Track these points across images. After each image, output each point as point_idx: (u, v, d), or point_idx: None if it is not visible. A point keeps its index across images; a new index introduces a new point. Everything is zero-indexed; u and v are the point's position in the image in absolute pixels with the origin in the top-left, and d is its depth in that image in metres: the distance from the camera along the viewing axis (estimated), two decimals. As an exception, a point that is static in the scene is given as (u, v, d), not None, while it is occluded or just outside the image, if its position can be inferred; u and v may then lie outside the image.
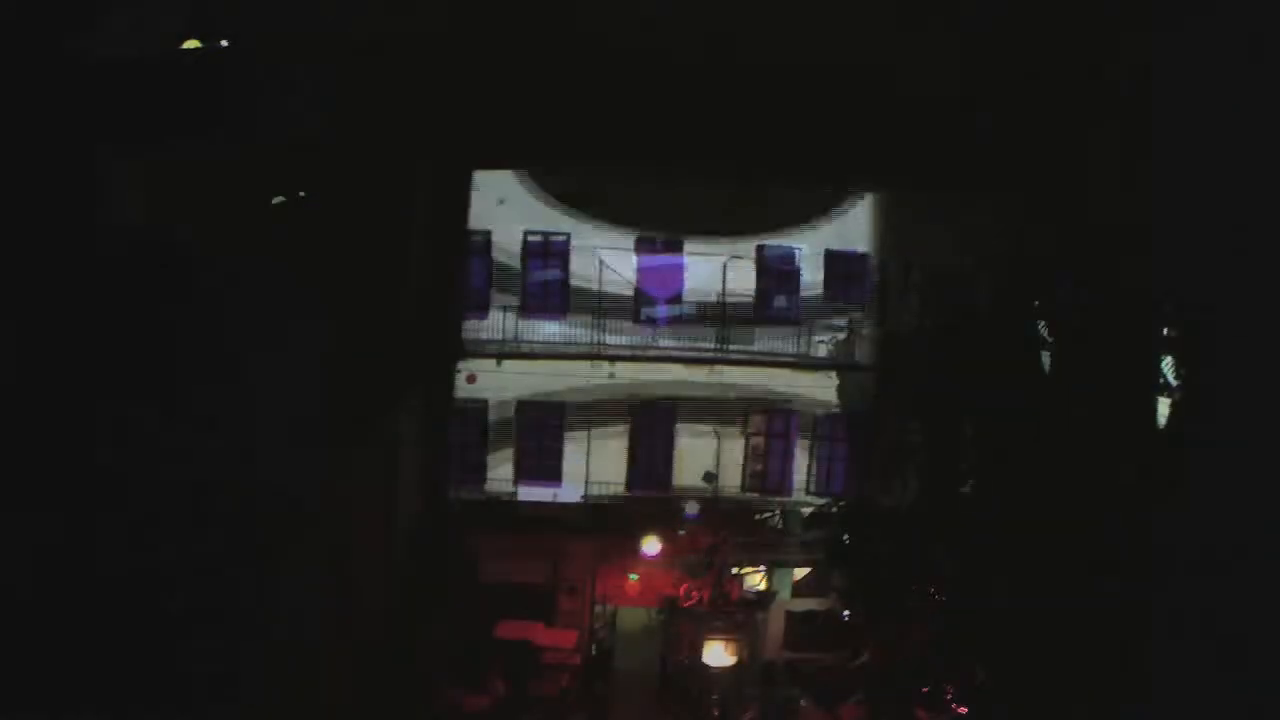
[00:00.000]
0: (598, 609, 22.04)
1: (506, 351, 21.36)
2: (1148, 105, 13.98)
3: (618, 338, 21.63)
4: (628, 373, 21.58)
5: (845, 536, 17.68)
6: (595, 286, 21.66)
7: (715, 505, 21.58)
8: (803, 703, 20.97)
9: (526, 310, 21.75)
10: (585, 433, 21.82)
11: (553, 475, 22.01)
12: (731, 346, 21.69)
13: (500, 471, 21.98)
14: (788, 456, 22.64)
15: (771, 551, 21.85)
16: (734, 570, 21.36)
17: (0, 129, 13.19)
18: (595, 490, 21.82)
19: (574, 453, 21.98)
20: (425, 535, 20.40)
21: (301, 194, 16.95)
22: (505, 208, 21.47)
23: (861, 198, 22.02)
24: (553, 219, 21.66)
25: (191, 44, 20.20)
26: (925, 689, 15.79)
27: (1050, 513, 13.83)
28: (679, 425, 22.13)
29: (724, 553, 21.14)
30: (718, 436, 22.10)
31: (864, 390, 20.89)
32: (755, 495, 22.43)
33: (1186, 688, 11.79)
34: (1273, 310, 12.29)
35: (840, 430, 22.27)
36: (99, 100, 15.57)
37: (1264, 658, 11.37)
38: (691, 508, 21.20)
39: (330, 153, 17.10)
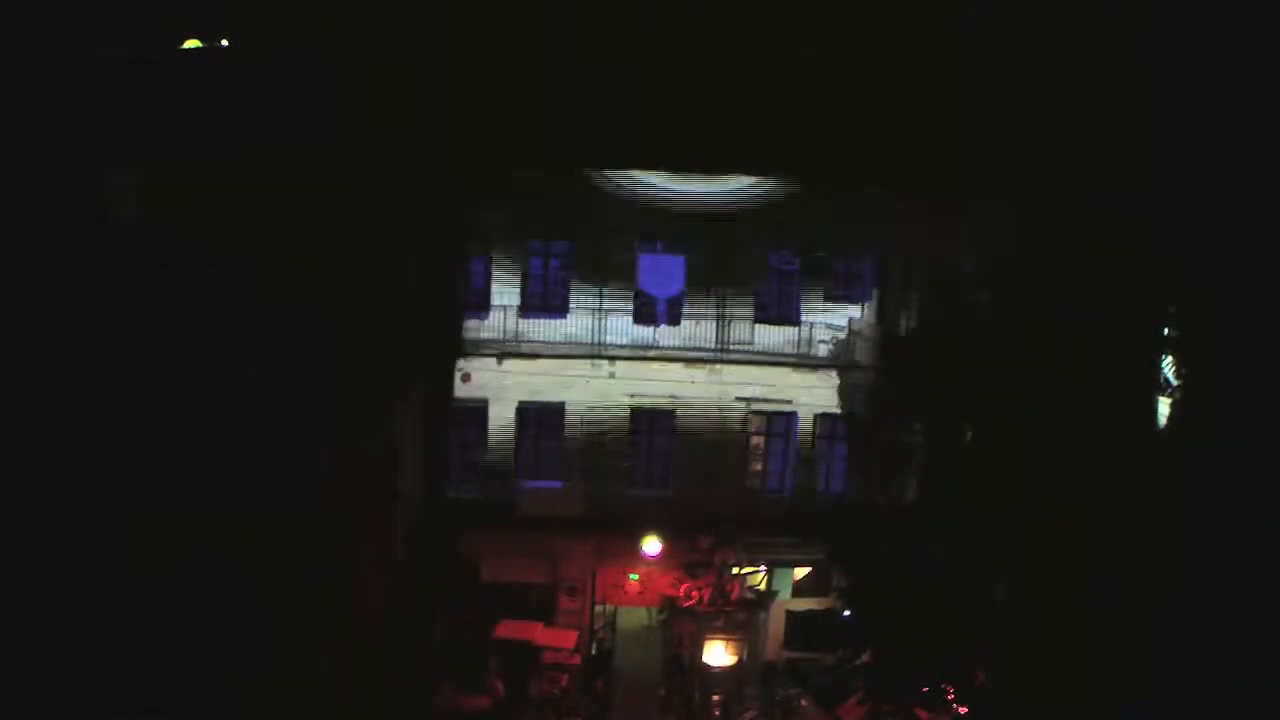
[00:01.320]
0: (598, 609, 22.03)
1: (507, 351, 21.34)
2: (1148, 105, 13.98)
3: (618, 337, 21.62)
4: (628, 372, 21.56)
5: (845, 536, 17.68)
6: (596, 286, 21.65)
7: (715, 505, 21.58)
8: (803, 703, 20.97)
9: (526, 310, 21.73)
10: (585, 432, 21.81)
11: (553, 475, 21.99)
12: (732, 346, 21.67)
13: (500, 471, 21.95)
14: (788, 457, 22.64)
15: (771, 551, 21.82)
16: (734, 570, 21.34)
17: (1, 129, 13.20)
18: (595, 490, 21.80)
19: (574, 453, 21.96)
20: (425, 535, 20.40)
21: None
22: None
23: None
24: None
25: (192, 44, 20.23)
26: (925, 689, 15.78)
27: (1050, 512, 13.83)
28: (679, 425, 22.12)
29: (724, 553, 21.13)
30: (718, 436, 22.09)
31: (864, 390, 20.89)
32: (754, 495, 22.43)
33: (1187, 687, 11.79)
34: (1273, 309, 12.30)
35: (840, 430, 22.26)
36: (99, 100, 15.57)
37: (1264, 657, 11.38)
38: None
39: (330, 152, 17.11)
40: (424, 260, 19.94)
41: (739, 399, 22.00)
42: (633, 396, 21.80)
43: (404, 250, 19.32)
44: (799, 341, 21.92)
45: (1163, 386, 14.15)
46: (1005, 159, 17.19)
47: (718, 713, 20.81)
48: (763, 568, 21.92)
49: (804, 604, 22.49)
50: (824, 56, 20.48)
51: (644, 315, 21.95)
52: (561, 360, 21.43)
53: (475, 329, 21.39)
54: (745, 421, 22.33)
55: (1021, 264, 15.53)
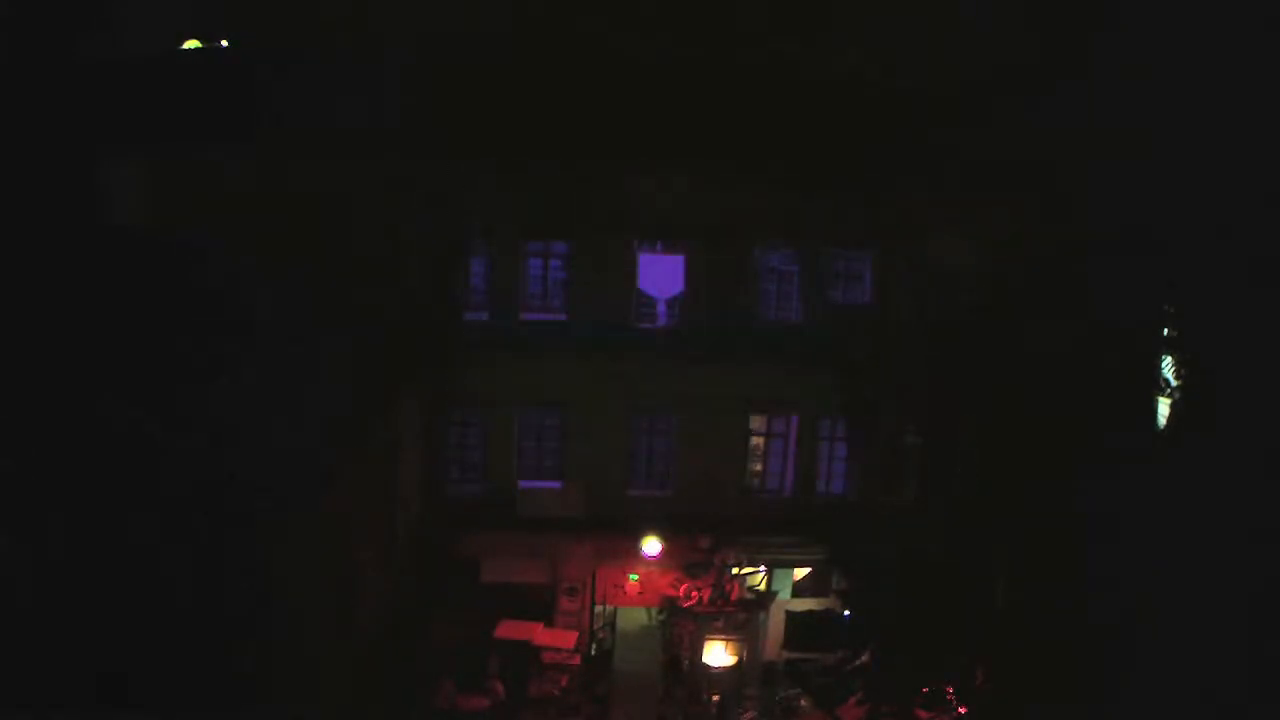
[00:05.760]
0: (598, 609, 22.02)
1: (506, 351, 21.27)
2: (1147, 105, 13.99)
3: (618, 337, 21.55)
4: (628, 372, 21.52)
5: (845, 537, 17.68)
6: (596, 286, 21.62)
7: (715, 505, 21.55)
8: (803, 703, 20.97)
9: (526, 310, 21.70)
10: (585, 432, 21.79)
11: (552, 475, 21.97)
12: (732, 346, 21.62)
13: (500, 471, 21.94)
14: (788, 456, 22.62)
15: (771, 551, 21.81)
16: (734, 570, 21.33)
17: (3, 128, 13.22)
18: (594, 490, 21.78)
19: (574, 452, 21.94)
20: (425, 535, 20.41)
21: None
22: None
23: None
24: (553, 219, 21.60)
25: (192, 44, 20.26)
26: (925, 689, 15.79)
27: (1049, 512, 13.84)
28: (679, 425, 22.10)
29: (724, 553, 21.11)
30: (718, 437, 22.07)
31: (864, 390, 20.86)
32: (755, 495, 22.42)
33: (1184, 688, 11.81)
34: (1273, 310, 12.31)
35: (840, 430, 22.24)
36: (99, 100, 15.59)
37: (1258, 657, 11.40)
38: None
39: (328, 152, 17.13)
40: (424, 260, 19.96)
41: (739, 398, 21.96)
42: (633, 396, 21.76)
43: (404, 250, 19.35)
44: (799, 341, 21.85)
45: (1163, 386, 14.17)
46: (1005, 159, 17.21)
47: (717, 713, 20.80)
48: (763, 568, 21.90)
49: (804, 604, 22.48)
50: (822, 58, 20.51)
51: (644, 315, 21.91)
52: (561, 360, 21.39)
53: (475, 329, 21.34)
54: (745, 421, 22.31)
55: (1021, 264, 15.54)
